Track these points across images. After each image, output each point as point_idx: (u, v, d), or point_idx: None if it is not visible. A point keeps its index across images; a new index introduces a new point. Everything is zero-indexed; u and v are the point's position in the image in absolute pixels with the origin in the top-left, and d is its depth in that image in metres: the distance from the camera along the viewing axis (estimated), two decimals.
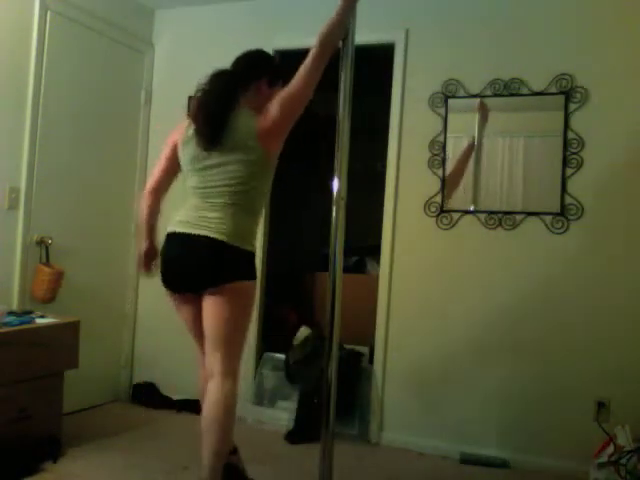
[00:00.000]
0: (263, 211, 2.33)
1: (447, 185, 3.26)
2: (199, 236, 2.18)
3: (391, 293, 3.36)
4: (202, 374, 2.43)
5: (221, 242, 2.16)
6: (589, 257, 3.02)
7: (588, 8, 3.04)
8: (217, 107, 2.20)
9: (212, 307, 2.23)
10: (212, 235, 2.16)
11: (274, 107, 2.17)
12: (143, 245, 2.50)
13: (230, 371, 2.25)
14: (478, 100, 3.21)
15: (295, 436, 3.32)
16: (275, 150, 2.26)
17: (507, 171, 3.17)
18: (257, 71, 2.33)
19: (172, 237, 2.27)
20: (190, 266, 2.23)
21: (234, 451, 2.49)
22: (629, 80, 2.97)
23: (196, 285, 2.25)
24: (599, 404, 2.96)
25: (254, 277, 2.27)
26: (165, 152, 2.43)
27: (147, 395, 3.81)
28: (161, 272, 2.33)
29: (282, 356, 3.58)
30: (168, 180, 2.46)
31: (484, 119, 3.21)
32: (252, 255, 2.27)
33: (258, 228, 2.33)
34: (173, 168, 2.41)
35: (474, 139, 3.22)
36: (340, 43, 2.17)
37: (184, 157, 2.31)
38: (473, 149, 3.22)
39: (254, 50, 2.42)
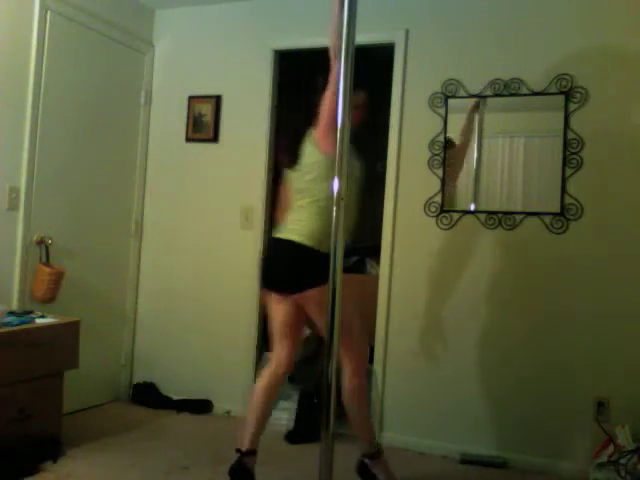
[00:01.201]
0: None
1: (452, 167, 3.26)
2: (286, 240, 2.47)
3: (391, 293, 3.37)
4: (268, 370, 2.64)
5: (300, 244, 2.42)
6: (589, 257, 3.02)
7: (588, 8, 3.04)
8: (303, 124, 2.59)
9: (311, 315, 2.50)
10: (293, 237, 2.45)
11: (320, 115, 2.44)
12: None
13: (354, 369, 2.52)
14: (473, 101, 3.21)
15: (295, 436, 3.32)
16: (330, 151, 2.35)
17: (507, 171, 3.18)
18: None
19: (270, 241, 2.66)
20: (279, 273, 2.52)
21: (252, 452, 2.54)
22: (629, 80, 2.97)
23: (283, 287, 2.50)
24: (599, 404, 2.96)
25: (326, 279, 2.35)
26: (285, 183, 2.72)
27: (147, 395, 3.82)
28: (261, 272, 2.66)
29: None
30: None
31: (480, 115, 3.21)
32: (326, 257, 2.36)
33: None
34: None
35: (478, 102, 3.22)
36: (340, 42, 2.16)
37: None
38: (478, 107, 3.21)
39: None
